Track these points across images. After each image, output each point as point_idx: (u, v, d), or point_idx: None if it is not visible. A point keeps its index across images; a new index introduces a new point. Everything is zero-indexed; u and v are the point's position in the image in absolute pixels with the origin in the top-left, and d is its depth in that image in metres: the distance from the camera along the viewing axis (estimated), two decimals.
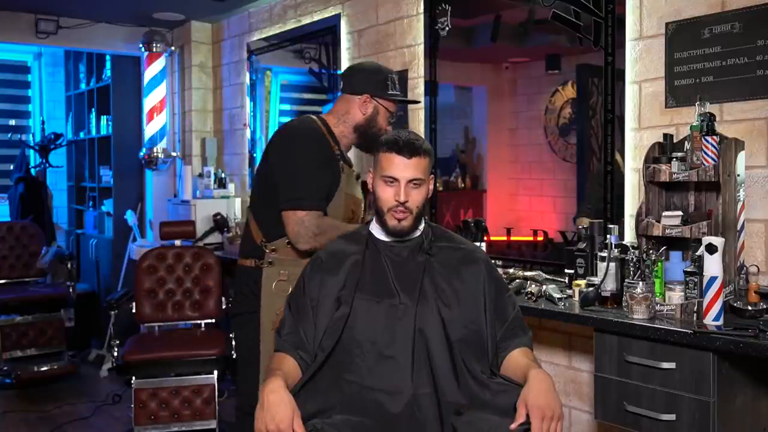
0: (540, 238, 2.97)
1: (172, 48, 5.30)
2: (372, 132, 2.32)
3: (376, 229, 1.90)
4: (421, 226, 1.91)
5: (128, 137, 5.68)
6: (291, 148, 2.24)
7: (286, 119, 4.88)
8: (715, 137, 2.11)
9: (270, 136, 4.75)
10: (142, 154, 5.23)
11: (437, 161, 3.40)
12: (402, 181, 1.81)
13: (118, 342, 3.67)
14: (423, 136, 3.40)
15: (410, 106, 3.55)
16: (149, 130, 5.19)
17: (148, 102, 5.19)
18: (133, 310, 3.88)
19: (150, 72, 5.17)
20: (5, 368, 4.67)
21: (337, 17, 3.98)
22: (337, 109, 2.36)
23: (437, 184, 3.40)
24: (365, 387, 1.72)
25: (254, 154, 4.74)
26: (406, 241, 1.88)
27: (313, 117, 2.36)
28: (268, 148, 2.35)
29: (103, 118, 5.86)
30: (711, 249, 1.94)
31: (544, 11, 2.85)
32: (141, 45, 5.16)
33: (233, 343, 3.64)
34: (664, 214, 2.26)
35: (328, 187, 2.23)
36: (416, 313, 1.76)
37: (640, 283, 2.06)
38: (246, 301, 2.32)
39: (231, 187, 4.88)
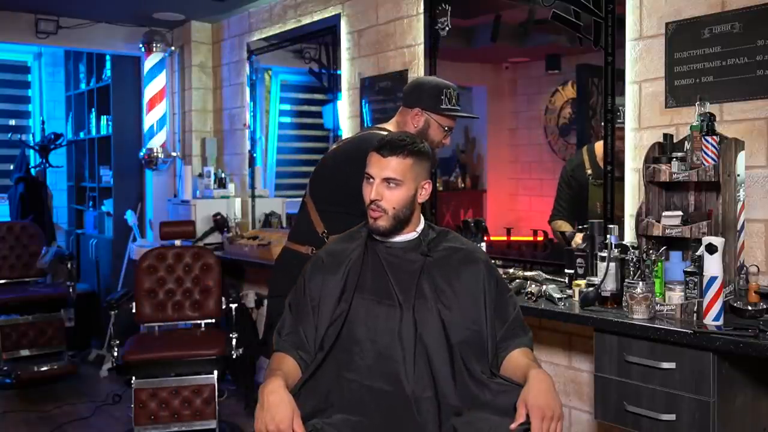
0: (540, 238, 2.97)
1: (172, 48, 5.30)
2: None
3: None
4: (419, 228, 1.91)
5: (128, 137, 5.68)
6: None
7: (286, 119, 4.90)
8: (715, 137, 2.11)
9: (270, 135, 4.81)
10: (142, 154, 5.23)
11: (437, 161, 3.40)
12: (376, 179, 1.82)
13: (118, 342, 3.67)
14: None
15: None
16: (148, 120, 5.19)
17: (148, 93, 5.18)
18: (133, 310, 3.88)
19: (148, 64, 5.17)
20: (5, 368, 4.67)
21: (337, 17, 3.98)
22: (396, 121, 2.46)
23: (437, 184, 3.40)
24: (365, 385, 1.72)
25: (254, 154, 4.74)
26: (403, 242, 1.87)
27: (376, 129, 2.46)
28: (339, 154, 2.45)
29: (103, 118, 5.86)
30: (711, 249, 1.94)
31: (544, 11, 2.85)
32: (141, 45, 5.16)
33: (234, 342, 3.67)
34: (664, 214, 2.26)
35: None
36: (415, 315, 1.76)
37: (640, 283, 2.06)
38: (289, 284, 2.36)
39: (231, 187, 4.88)
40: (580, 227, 2.62)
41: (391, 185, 1.81)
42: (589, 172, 2.75)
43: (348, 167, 2.34)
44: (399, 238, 1.87)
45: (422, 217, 1.94)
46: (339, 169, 2.41)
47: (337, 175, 2.41)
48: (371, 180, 1.83)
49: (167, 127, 5.25)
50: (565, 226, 2.83)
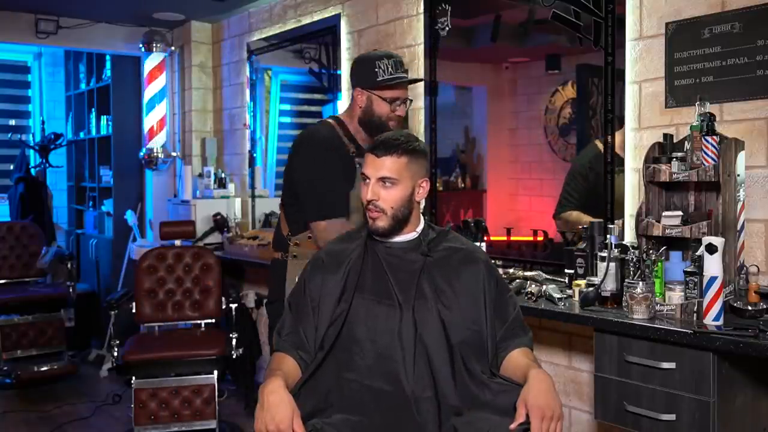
0: (540, 238, 2.97)
1: (172, 48, 5.30)
2: (373, 122, 2.36)
3: None
4: (419, 228, 1.91)
5: (128, 137, 5.68)
6: (312, 158, 2.34)
7: (286, 119, 4.90)
8: (715, 137, 2.11)
9: (270, 135, 4.81)
10: (142, 154, 5.23)
11: (437, 161, 3.40)
12: (372, 179, 1.83)
13: (118, 342, 3.67)
14: (422, 137, 3.42)
15: (411, 106, 3.54)
16: (147, 122, 5.19)
17: (148, 97, 5.19)
18: (133, 310, 3.88)
19: (149, 65, 5.17)
20: (5, 368, 4.67)
21: (337, 17, 3.98)
22: (349, 107, 2.45)
23: (437, 184, 3.40)
24: (365, 385, 1.72)
25: (254, 154, 4.74)
26: (403, 242, 1.87)
27: (330, 121, 2.45)
28: (291, 149, 2.47)
29: (103, 118, 5.86)
30: (711, 249, 1.94)
31: (544, 11, 2.84)
32: (141, 45, 5.16)
33: (234, 342, 3.67)
34: (664, 214, 2.26)
35: (346, 191, 2.33)
36: (415, 315, 1.76)
37: (640, 283, 2.06)
38: (276, 290, 2.43)
39: (231, 187, 4.88)
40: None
41: (387, 185, 1.81)
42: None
43: (291, 161, 2.41)
44: (399, 239, 1.87)
45: (422, 217, 1.94)
46: (287, 164, 2.45)
47: (286, 171, 2.45)
48: (367, 180, 1.84)
49: (167, 128, 5.25)
50: (584, 217, 2.75)
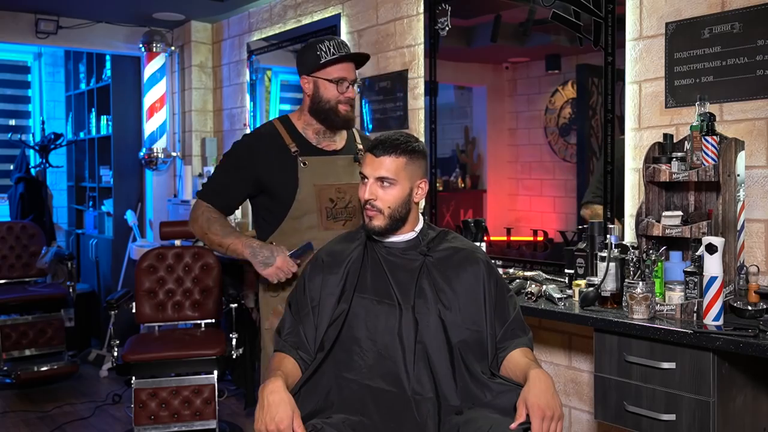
0: (540, 238, 2.97)
1: (172, 48, 5.30)
2: (322, 108, 2.29)
3: None
4: (418, 227, 1.90)
5: (128, 137, 5.68)
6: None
7: None
8: (715, 137, 2.11)
9: None
10: (142, 154, 5.23)
11: (437, 161, 3.40)
12: (370, 178, 1.82)
13: (118, 342, 3.67)
14: (422, 137, 3.42)
15: (411, 106, 3.55)
16: (149, 127, 5.19)
17: (148, 100, 5.19)
18: (133, 310, 3.88)
19: (150, 70, 5.17)
20: (5, 368, 4.67)
21: (337, 17, 3.98)
22: (302, 103, 2.40)
23: (437, 184, 3.40)
24: (365, 385, 1.72)
25: None
26: (402, 242, 1.87)
27: (275, 121, 2.40)
28: None
29: (103, 118, 5.86)
30: (711, 249, 1.94)
31: (544, 11, 2.85)
32: (141, 45, 5.16)
33: (234, 342, 3.67)
34: (664, 214, 2.26)
35: (229, 183, 2.32)
36: (415, 315, 1.76)
37: (640, 283, 2.06)
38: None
39: None
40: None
41: (385, 184, 1.81)
42: None
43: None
44: (397, 238, 1.87)
45: (421, 217, 1.94)
46: None
47: None
48: (365, 180, 1.84)
49: (167, 128, 5.25)
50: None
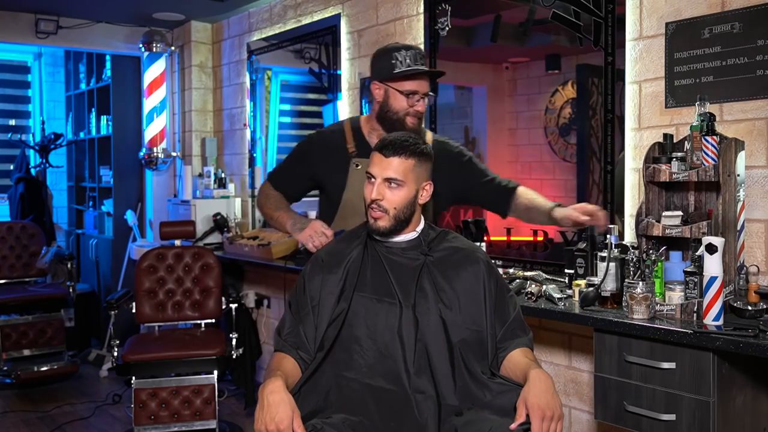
0: (540, 238, 2.97)
1: (172, 48, 5.30)
2: (389, 117, 2.26)
3: None
4: (419, 228, 1.91)
5: (128, 137, 5.68)
6: None
7: (286, 119, 4.90)
8: (715, 137, 2.11)
9: (270, 135, 4.81)
10: (142, 154, 5.23)
11: None
12: (378, 179, 1.82)
13: (118, 342, 3.67)
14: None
15: None
16: (150, 131, 5.20)
17: (148, 108, 5.20)
18: (133, 310, 3.88)
19: (148, 76, 5.18)
20: (5, 368, 4.67)
21: (337, 17, 3.98)
22: (369, 101, 2.44)
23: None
24: (365, 384, 1.72)
25: (254, 154, 4.74)
26: (403, 242, 1.87)
27: (345, 120, 2.46)
28: None
29: (103, 118, 5.86)
30: (711, 249, 1.94)
31: (544, 11, 2.85)
32: (141, 45, 5.16)
33: (234, 342, 3.66)
34: (664, 214, 2.26)
35: (291, 172, 2.47)
36: (415, 315, 1.76)
37: (640, 283, 2.06)
38: None
39: (231, 187, 4.88)
40: None
41: (392, 185, 1.81)
42: None
43: None
44: (399, 238, 1.87)
45: (423, 218, 1.94)
46: None
47: None
48: (372, 180, 1.83)
49: (167, 128, 5.25)
50: None
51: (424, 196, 1.88)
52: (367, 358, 1.75)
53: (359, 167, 2.27)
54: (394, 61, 2.22)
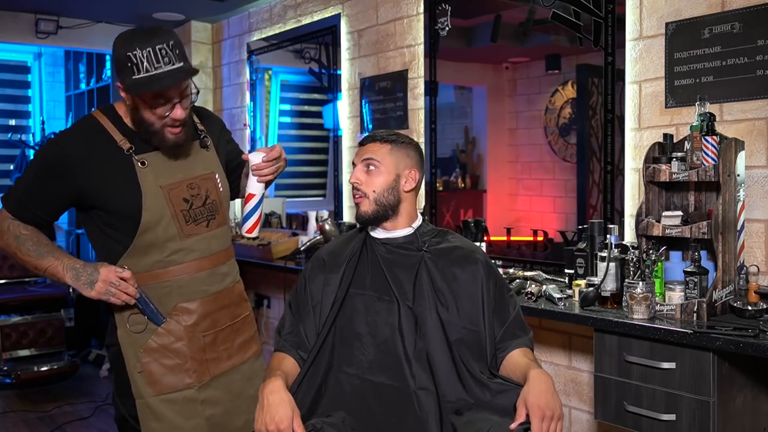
0: (540, 238, 2.97)
1: None
2: (144, 128, 1.80)
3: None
4: (415, 224, 1.90)
5: None
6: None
7: (286, 119, 4.90)
8: (715, 137, 2.11)
9: (270, 135, 4.81)
10: None
11: (437, 161, 3.40)
12: (357, 164, 1.87)
13: None
14: (422, 137, 3.42)
15: (411, 106, 3.55)
16: None
17: None
18: None
19: None
20: (5, 368, 4.67)
21: (337, 17, 3.98)
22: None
23: (437, 184, 3.40)
24: (366, 380, 1.73)
25: None
26: (399, 237, 1.88)
27: (99, 110, 1.88)
28: None
29: None
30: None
31: (544, 11, 2.85)
32: None
33: None
34: (664, 214, 2.26)
35: (42, 193, 1.84)
36: (414, 312, 1.76)
37: (640, 283, 2.06)
38: (111, 333, 1.94)
39: None
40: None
41: (370, 168, 1.84)
42: None
43: None
44: (394, 234, 1.87)
45: (419, 215, 1.94)
46: None
47: None
48: (354, 167, 1.88)
49: None
50: None
51: (410, 182, 1.87)
52: (368, 352, 1.75)
53: (146, 165, 1.82)
54: (130, 64, 1.67)
